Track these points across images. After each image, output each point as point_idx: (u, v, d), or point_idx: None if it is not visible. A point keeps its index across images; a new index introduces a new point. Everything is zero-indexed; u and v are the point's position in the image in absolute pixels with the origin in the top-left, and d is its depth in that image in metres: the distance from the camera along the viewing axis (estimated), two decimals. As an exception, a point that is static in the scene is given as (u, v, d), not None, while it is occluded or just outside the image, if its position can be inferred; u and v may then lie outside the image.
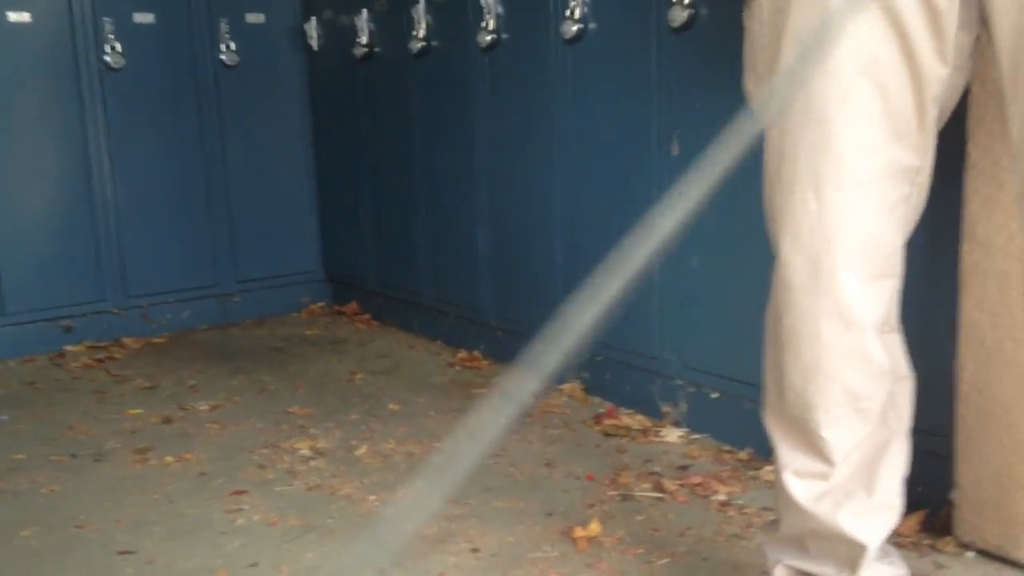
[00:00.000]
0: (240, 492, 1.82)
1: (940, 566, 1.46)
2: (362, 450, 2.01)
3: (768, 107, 1.05)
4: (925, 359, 1.41)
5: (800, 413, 1.12)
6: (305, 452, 2.01)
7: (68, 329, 2.97)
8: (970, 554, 1.49)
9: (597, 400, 2.27)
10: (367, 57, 2.95)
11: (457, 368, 2.61)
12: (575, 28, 2.14)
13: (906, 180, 1.08)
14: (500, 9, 2.40)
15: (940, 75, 1.04)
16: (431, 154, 2.77)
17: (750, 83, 1.18)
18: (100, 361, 2.81)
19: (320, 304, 3.40)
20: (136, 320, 3.07)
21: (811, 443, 1.13)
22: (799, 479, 1.14)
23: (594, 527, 1.60)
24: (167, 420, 2.26)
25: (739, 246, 1.88)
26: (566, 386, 2.34)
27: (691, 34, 1.89)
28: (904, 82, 1.03)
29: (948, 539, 1.52)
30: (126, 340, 3.00)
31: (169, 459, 2.01)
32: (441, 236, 2.79)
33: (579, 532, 1.59)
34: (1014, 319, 1.41)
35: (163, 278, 3.12)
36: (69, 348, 2.93)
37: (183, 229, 3.14)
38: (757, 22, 1.12)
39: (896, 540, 1.50)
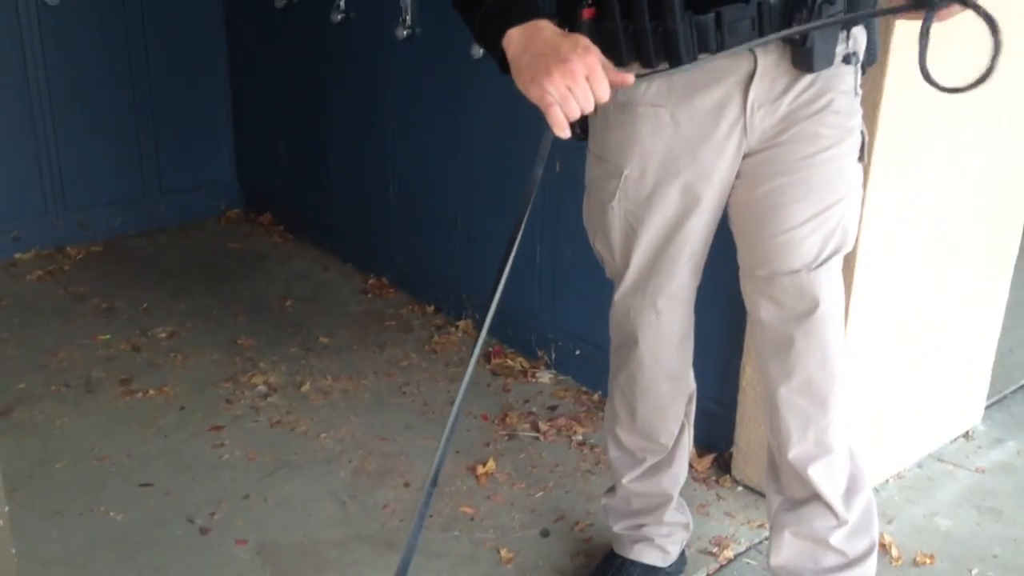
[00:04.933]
0: (218, 428, 2.39)
1: (720, 497, 2.20)
2: (306, 386, 2.59)
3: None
4: (717, 361, 2.09)
5: (648, 432, 1.76)
6: (262, 388, 2.57)
7: (16, 239, 3.33)
8: (740, 488, 2.23)
9: (486, 337, 2.88)
10: None
11: (369, 296, 3.16)
12: None
13: None
14: None
15: None
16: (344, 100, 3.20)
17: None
18: (51, 274, 3.22)
19: (235, 211, 3.83)
20: (74, 229, 3.45)
21: (653, 445, 1.78)
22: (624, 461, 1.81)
23: (490, 464, 2.26)
24: (135, 348, 2.76)
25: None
26: (461, 323, 2.94)
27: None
28: None
29: (727, 476, 2.26)
30: (69, 250, 3.39)
31: (151, 392, 2.53)
32: (352, 176, 3.26)
33: (480, 469, 2.25)
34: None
35: (96, 189, 3.49)
36: (19, 256, 3.32)
37: (113, 143, 3.49)
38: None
39: (693, 475, 2.22)
